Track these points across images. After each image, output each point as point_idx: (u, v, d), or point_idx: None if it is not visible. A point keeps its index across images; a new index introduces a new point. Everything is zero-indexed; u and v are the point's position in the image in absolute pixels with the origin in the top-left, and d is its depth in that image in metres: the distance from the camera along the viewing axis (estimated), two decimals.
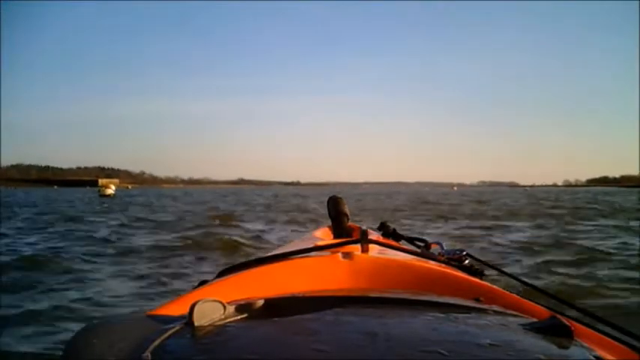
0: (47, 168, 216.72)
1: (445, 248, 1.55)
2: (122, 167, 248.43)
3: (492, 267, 1.53)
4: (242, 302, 0.70)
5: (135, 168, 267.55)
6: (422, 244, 1.83)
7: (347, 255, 1.07)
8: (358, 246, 1.10)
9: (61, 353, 0.59)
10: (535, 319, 0.71)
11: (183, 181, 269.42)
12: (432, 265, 1.13)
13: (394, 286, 0.97)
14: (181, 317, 0.64)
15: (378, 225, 2.15)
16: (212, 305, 0.64)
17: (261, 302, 0.70)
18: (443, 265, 1.22)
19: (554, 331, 0.64)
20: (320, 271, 1.01)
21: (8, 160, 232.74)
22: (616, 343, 0.79)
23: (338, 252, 1.09)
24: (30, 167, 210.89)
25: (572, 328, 0.65)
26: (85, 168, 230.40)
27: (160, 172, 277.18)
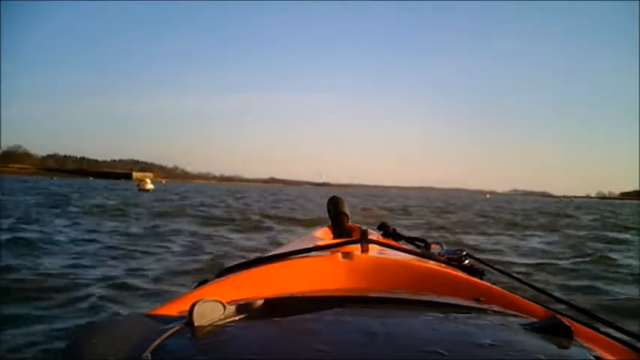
0: (83, 159, 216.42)
1: (445, 248, 1.55)
2: (156, 161, 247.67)
3: (492, 267, 1.53)
4: (242, 302, 0.69)
5: (168, 163, 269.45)
6: (422, 244, 1.83)
7: (347, 255, 1.07)
8: (358, 246, 1.10)
9: (61, 353, 0.59)
10: (535, 319, 0.71)
11: (215, 178, 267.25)
12: (432, 265, 1.13)
13: (394, 286, 0.97)
14: (181, 317, 0.64)
15: (378, 225, 2.15)
16: (212, 305, 0.64)
17: (261, 302, 0.70)
18: (443, 265, 1.22)
19: (554, 331, 0.64)
20: (320, 271, 1.01)
21: (45, 149, 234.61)
22: (616, 343, 0.79)
23: (338, 252, 1.09)
24: (66, 158, 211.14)
25: (572, 328, 0.65)
26: (120, 161, 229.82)
27: (192, 168, 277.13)
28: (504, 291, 0.98)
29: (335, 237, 1.80)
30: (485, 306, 0.83)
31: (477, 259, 1.53)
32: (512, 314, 0.77)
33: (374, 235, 1.77)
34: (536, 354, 0.56)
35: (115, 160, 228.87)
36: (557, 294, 1.16)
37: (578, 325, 0.82)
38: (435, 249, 1.69)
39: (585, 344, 0.64)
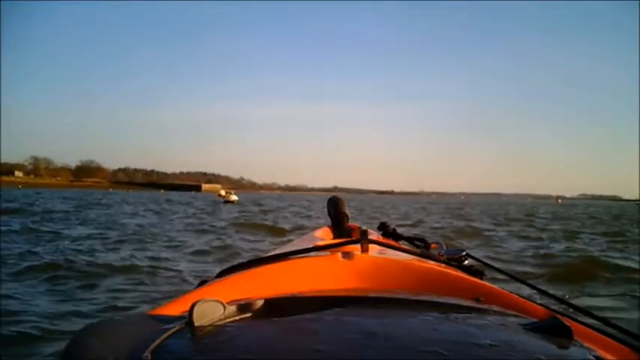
0: (152, 172, 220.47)
1: (445, 248, 1.55)
2: (222, 173, 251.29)
3: (492, 267, 1.53)
4: (242, 302, 0.69)
5: (234, 174, 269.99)
6: (422, 244, 1.83)
7: (347, 255, 1.07)
8: (358, 246, 1.10)
9: (61, 353, 0.59)
10: (535, 319, 0.71)
11: (280, 188, 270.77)
12: (431, 265, 1.13)
13: (394, 286, 0.97)
14: (181, 317, 0.64)
15: (378, 225, 2.15)
16: (212, 305, 0.64)
17: (261, 302, 0.70)
18: (443, 265, 1.22)
19: (554, 331, 0.64)
20: (320, 271, 1.01)
21: (116, 163, 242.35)
22: (616, 343, 0.79)
23: (338, 252, 1.09)
24: (136, 171, 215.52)
25: (572, 328, 0.65)
26: (188, 173, 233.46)
27: (258, 179, 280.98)
28: (504, 291, 0.98)
29: (335, 237, 1.80)
30: (485, 306, 0.83)
31: (476, 259, 1.53)
32: (512, 314, 0.77)
33: (374, 235, 1.77)
34: (536, 354, 0.56)
35: (182, 173, 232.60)
36: (557, 294, 1.15)
37: (578, 325, 0.82)
38: (434, 249, 1.69)
39: (585, 344, 0.64)
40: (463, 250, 1.49)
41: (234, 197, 41.44)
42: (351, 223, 1.97)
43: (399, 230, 2.10)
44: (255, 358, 0.54)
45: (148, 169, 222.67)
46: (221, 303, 0.66)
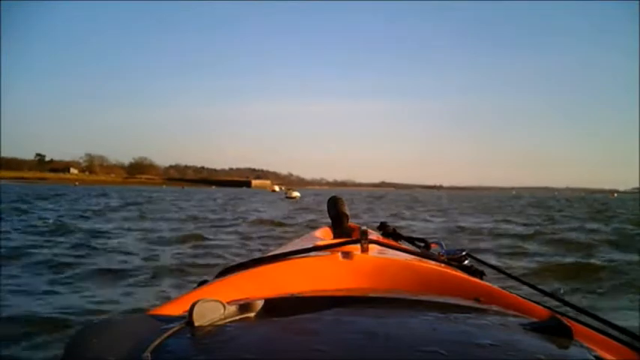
0: (202, 168, 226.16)
1: (445, 248, 1.55)
2: (270, 169, 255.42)
3: (492, 267, 1.53)
4: (242, 302, 0.69)
5: (282, 169, 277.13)
6: (422, 244, 1.83)
7: (347, 255, 1.07)
8: (358, 246, 1.10)
9: (61, 353, 0.59)
10: (535, 319, 0.71)
11: (328, 183, 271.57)
12: (431, 265, 1.13)
13: (394, 286, 0.97)
14: (181, 317, 0.64)
15: (378, 225, 2.15)
16: (212, 305, 0.64)
17: (261, 302, 0.70)
18: (443, 265, 1.22)
19: (554, 331, 0.64)
20: (320, 271, 1.01)
21: (167, 160, 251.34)
22: (616, 343, 0.79)
23: (338, 252, 1.09)
24: (187, 167, 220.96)
25: (572, 328, 0.65)
26: (237, 169, 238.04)
27: (306, 174, 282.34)
28: (504, 291, 0.98)
29: (335, 237, 1.79)
30: (485, 306, 0.83)
31: (477, 259, 1.53)
32: (512, 314, 0.77)
33: (374, 235, 1.77)
34: (536, 354, 0.56)
35: (232, 169, 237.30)
36: (557, 294, 1.15)
37: (578, 325, 0.82)
38: (435, 249, 1.69)
39: (585, 344, 0.64)
40: (463, 250, 1.49)
41: (296, 194, 42.62)
42: (352, 222, 1.98)
43: (399, 230, 2.10)
44: (255, 358, 0.54)
45: (198, 166, 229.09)
46: (221, 303, 0.65)
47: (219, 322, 0.63)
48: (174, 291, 4.48)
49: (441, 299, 0.85)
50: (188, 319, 0.62)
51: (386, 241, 1.58)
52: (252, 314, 0.68)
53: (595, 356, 0.60)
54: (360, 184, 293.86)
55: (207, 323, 0.62)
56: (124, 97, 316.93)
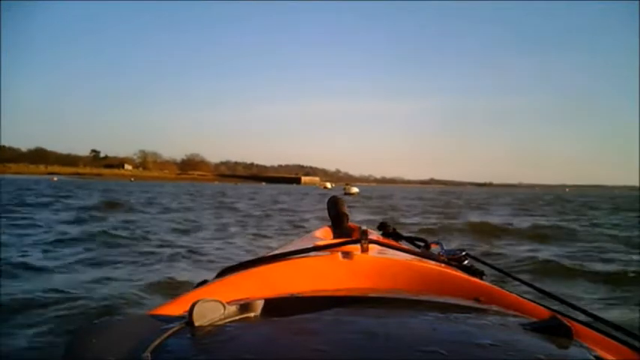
0: (252, 165, 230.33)
1: (445, 248, 1.55)
2: (319, 165, 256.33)
3: (492, 267, 1.53)
4: (242, 302, 0.69)
5: (330, 166, 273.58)
6: (422, 244, 1.83)
7: (347, 255, 1.06)
8: (358, 246, 1.10)
9: (61, 353, 0.59)
10: (535, 319, 0.71)
11: (376, 180, 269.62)
12: (431, 265, 1.13)
13: (394, 286, 0.97)
14: (181, 317, 0.64)
15: (378, 225, 2.15)
16: (212, 305, 0.64)
17: (261, 302, 0.70)
18: (443, 265, 1.22)
19: (554, 331, 0.64)
20: (320, 271, 1.01)
21: (218, 157, 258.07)
22: (616, 343, 0.79)
23: (338, 252, 1.09)
24: (236, 164, 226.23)
25: (572, 328, 0.65)
26: (286, 166, 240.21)
27: (354, 171, 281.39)
28: (504, 291, 0.98)
29: (335, 237, 1.79)
30: (485, 306, 0.84)
31: (477, 259, 1.53)
32: (512, 314, 0.77)
33: (374, 235, 1.76)
34: (536, 354, 0.56)
35: (280, 165, 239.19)
36: (557, 294, 1.15)
37: (578, 325, 0.82)
38: (435, 249, 1.68)
39: (585, 344, 0.64)
40: (463, 250, 1.49)
41: (354, 190, 42.61)
42: (351, 222, 1.98)
43: (399, 230, 2.10)
44: (255, 358, 0.54)
45: (248, 162, 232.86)
46: (221, 303, 0.66)
47: (219, 322, 0.63)
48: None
49: (441, 299, 0.85)
50: (188, 319, 0.62)
51: (386, 241, 1.58)
52: (252, 314, 0.68)
53: (595, 356, 0.60)
54: (408, 181, 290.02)
55: (207, 323, 0.62)
56: (175, 95, 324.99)
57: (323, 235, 1.84)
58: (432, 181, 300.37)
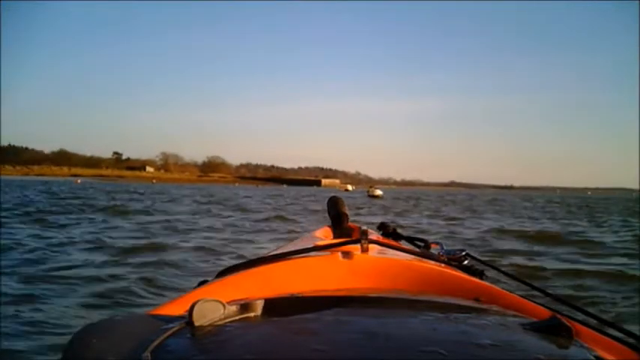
0: (272, 167, 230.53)
1: (445, 248, 1.55)
2: (339, 168, 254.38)
3: (492, 267, 1.53)
4: (242, 302, 0.69)
5: (350, 168, 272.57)
6: (422, 244, 1.83)
7: (347, 255, 1.07)
8: (358, 246, 1.10)
9: (61, 353, 0.59)
10: (535, 319, 0.71)
11: (395, 182, 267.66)
12: (431, 265, 1.13)
13: (394, 286, 0.97)
14: (181, 317, 0.64)
15: (378, 225, 2.15)
16: (212, 305, 0.64)
17: (261, 302, 0.70)
18: (443, 265, 1.22)
19: (554, 331, 0.64)
20: (320, 271, 1.01)
21: (238, 159, 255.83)
22: (616, 343, 0.79)
23: (338, 252, 1.09)
24: (257, 166, 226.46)
25: (572, 328, 0.65)
26: (306, 168, 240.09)
27: (374, 173, 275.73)
28: (504, 291, 0.98)
29: (335, 237, 1.79)
30: (485, 306, 0.84)
31: (477, 259, 1.53)
32: (512, 314, 0.77)
33: (374, 235, 1.76)
34: (536, 354, 0.56)
35: (300, 168, 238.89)
36: (557, 294, 1.15)
37: (578, 325, 0.82)
38: (435, 249, 1.68)
39: (585, 344, 0.64)
40: (463, 250, 1.49)
41: (379, 192, 42.32)
42: (351, 222, 1.98)
43: (399, 230, 2.10)
44: (255, 358, 0.54)
45: (268, 164, 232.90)
46: (221, 303, 0.66)
47: (219, 322, 0.63)
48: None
49: (441, 299, 0.85)
50: (188, 319, 0.62)
51: (386, 241, 1.58)
52: (252, 314, 0.68)
53: (595, 356, 0.60)
54: (428, 184, 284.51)
55: (207, 323, 0.62)
56: (198, 96, 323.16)
57: (323, 235, 1.84)
58: (452, 184, 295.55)
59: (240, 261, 1.23)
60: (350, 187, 50.62)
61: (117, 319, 0.67)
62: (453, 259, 1.36)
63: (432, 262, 1.20)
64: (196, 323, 0.61)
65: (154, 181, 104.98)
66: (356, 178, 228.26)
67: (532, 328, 0.65)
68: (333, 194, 2.28)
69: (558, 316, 0.73)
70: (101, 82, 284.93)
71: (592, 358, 0.59)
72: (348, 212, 1.98)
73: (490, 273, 1.44)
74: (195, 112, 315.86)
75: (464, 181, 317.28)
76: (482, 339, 0.59)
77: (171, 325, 0.61)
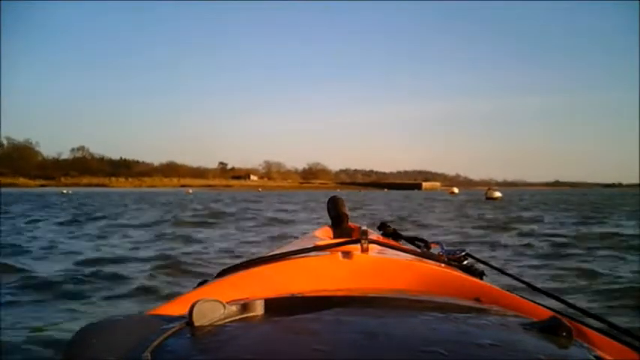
0: (371, 172, 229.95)
1: (445, 248, 1.55)
2: (438, 170, 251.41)
3: (492, 267, 1.53)
4: (242, 302, 0.69)
5: (450, 171, 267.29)
6: (422, 244, 1.83)
7: (347, 255, 1.06)
8: (358, 246, 1.10)
9: (61, 353, 0.59)
10: (535, 319, 0.71)
11: (497, 183, 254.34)
12: (432, 265, 1.13)
13: (394, 286, 0.97)
14: (181, 317, 0.64)
15: (378, 225, 2.15)
16: (212, 305, 0.64)
17: (260, 302, 0.70)
18: (443, 265, 1.22)
19: (554, 331, 0.64)
20: (320, 271, 1.01)
21: (337, 165, 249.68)
22: (616, 343, 0.80)
23: (338, 252, 1.09)
24: (356, 171, 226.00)
25: (572, 328, 0.65)
26: (405, 172, 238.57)
27: (475, 175, 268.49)
28: (504, 291, 0.98)
29: (335, 237, 1.80)
30: (485, 306, 0.84)
31: (477, 259, 1.53)
32: (512, 314, 0.77)
33: (374, 235, 1.77)
34: (536, 354, 0.56)
35: (399, 172, 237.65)
36: (557, 294, 1.15)
37: (578, 325, 0.82)
38: (435, 249, 1.68)
39: (585, 344, 0.64)
40: (463, 250, 1.49)
41: (497, 194, 41.50)
42: (351, 222, 1.98)
43: (399, 230, 2.10)
44: (255, 358, 0.54)
45: (367, 169, 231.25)
46: (221, 303, 0.65)
47: (219, 322, 0.63)
48: None
49: (441, 299, 0.85)
50: (188, 319, 0.62)
51: (386, 241, 1.58)
52: (252, 314, 0.68)
53: (595, 356, 0.60)
54: (531, 184, 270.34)
55: (207, 323, 0.62)
56: (295, 105, 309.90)
57: (323, 235, 1.84)
58: (557, 183, 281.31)
59: (240, 261, 1.23)
60: (456, 190, 49.98)
61: (117, 319, 0.67)
62: (453, 259, 1.36)
63: (432, 262, 1.20)
64: (196, 323, 0.61)
65: (260, 189, 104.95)
66: (456, 180, 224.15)
67: (532, 328, 0.65)
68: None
69: (558, 316, 0.73)
70: (202, 95, 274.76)
71: (592, 358, 0.59)
72: (348, 212, 1.98)
73: (490, 273, 1.44)
74: (296, 120, 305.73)
75: (569, 179, 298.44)
76: (482, 339, 0.59)
77: (171, 325, 0.61)
